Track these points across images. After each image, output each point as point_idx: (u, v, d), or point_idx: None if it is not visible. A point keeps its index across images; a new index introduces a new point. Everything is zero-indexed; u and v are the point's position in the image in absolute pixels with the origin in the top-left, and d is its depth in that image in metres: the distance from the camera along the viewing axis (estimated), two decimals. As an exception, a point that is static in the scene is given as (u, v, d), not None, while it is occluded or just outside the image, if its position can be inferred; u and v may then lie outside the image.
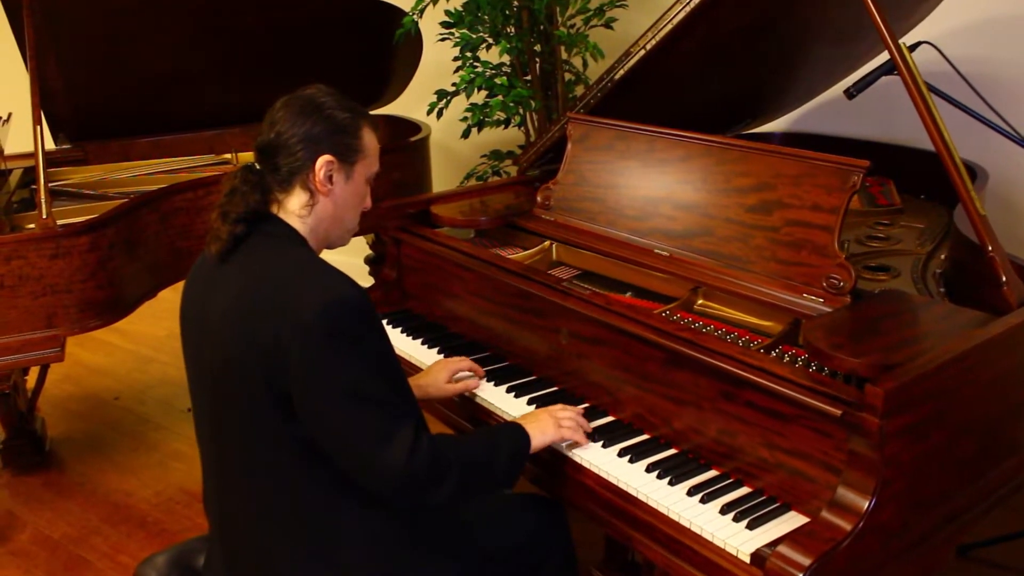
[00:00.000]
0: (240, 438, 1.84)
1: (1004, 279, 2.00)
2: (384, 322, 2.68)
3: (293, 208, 1.88)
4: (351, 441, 1.74)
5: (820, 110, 3.82)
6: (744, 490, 1.88)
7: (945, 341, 1.79)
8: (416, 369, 2.45)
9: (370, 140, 1.96)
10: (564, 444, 2.05)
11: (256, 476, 1.84)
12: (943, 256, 2.57)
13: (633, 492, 1.90)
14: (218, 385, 1.84)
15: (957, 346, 1.76)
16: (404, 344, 2.59)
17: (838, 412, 1.67)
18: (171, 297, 4.15)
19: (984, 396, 1.88)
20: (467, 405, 2.34)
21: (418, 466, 1.73)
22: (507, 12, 3.79)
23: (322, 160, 1.86)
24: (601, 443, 2.05)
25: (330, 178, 1.88)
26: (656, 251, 2.41)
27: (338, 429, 1.73)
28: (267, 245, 1.85)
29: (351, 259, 2.85)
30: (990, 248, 2.02)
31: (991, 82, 2.77)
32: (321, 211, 1.90)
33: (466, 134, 3.97)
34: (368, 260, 2.97)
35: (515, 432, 1.99)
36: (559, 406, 2.11)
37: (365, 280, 2.83)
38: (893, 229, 2.88)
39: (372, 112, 4.58)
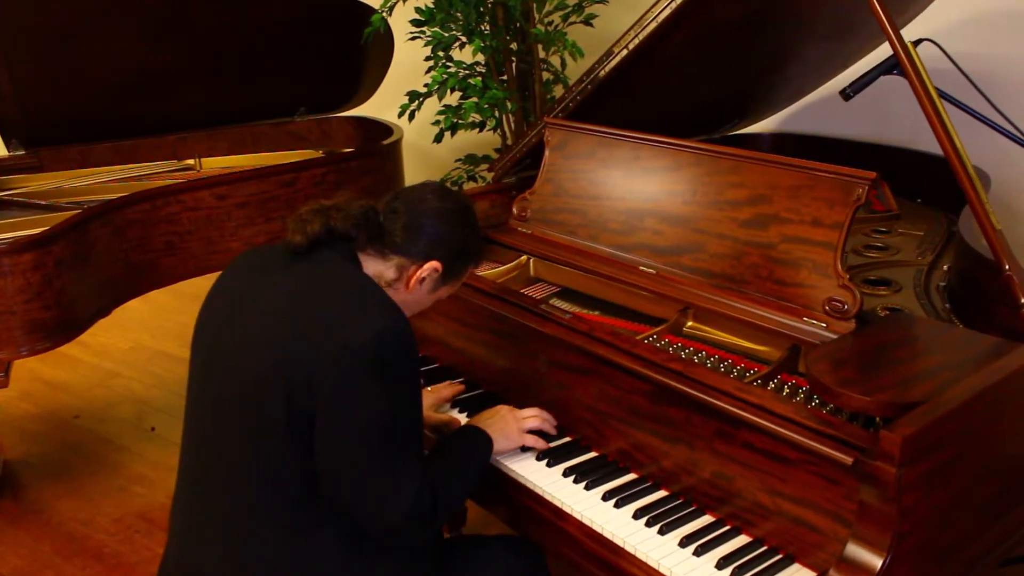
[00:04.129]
0: (238, 446, 1.72)
1: (1023, 300, 1.83)
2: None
3: (373, 270, 1.83)
4: (363, 477, 1.67)
5: (810, 109, 3.65)
6: (743, 539, 1.71)
7: (964, 374, 1.62)
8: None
9: (469, 274, 1.98)
10: (546, 487, 1.87)
11: (241, 496, 1.73)
12: (946, 267, 2.41)
13: (620, 543, 1.73)
14: (230, 393, 1.72)
15: (979, 381, 1.58)
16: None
17: (849, 460, 1.49)
18: (137, 307, 4.00)
19: (1008, 432, 1.71)
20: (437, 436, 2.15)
21: (421, 509, 1.69)
22: (481, 9, 3.61)
23: (433, 264, 1.84)
24: (584, 484, 1.87)
25: (423, 280, 1.85)
26: (642, 268, 2.23)
27: (353, 462, 1.66)
28: (332, 261, 1.79)
29: None
30: (1007, 267, 1.84)
31: (990, 80, 2.61)
32: (390, 293, 1.82)
33: (439, 138, 3.79)
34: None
35: (485, 446, 1.94)
36: (528, 410, 2.04)
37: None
38: (891, 237, 2.71)
39: (343, 114, 4.46)
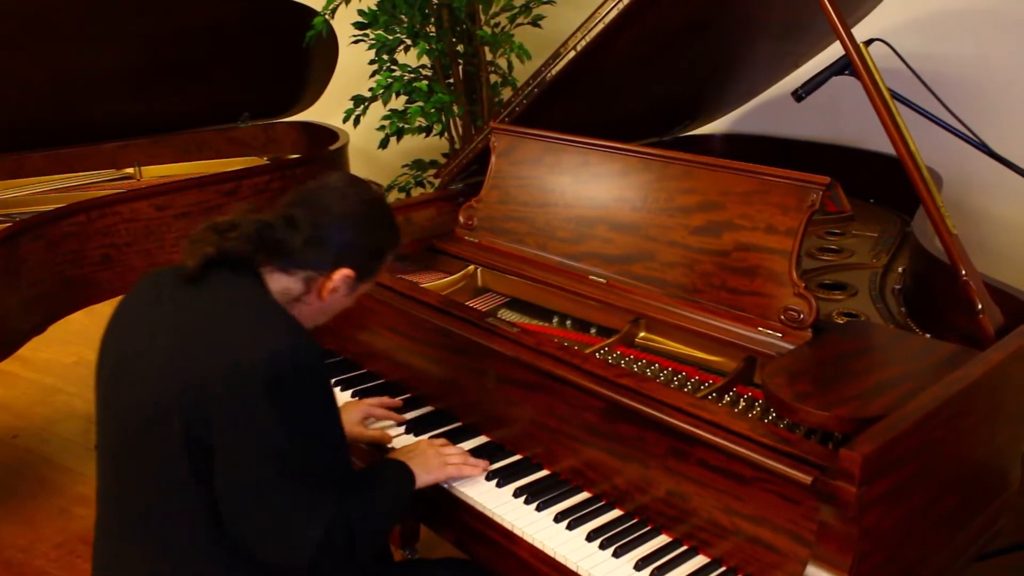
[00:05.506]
0: (142, 485, 1.61)
1: (980, 306, 1.79)
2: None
3: (279, 286, 1.70)
4: (263, 512, 1.55)
5: (762, 109, 3.61)
6: (701, 560, 1.64)
7: (924, 385, 1.56)
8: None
9: (387, 264, 1.84)
10: (495, 508, 1.80)
11: (151, 534, 1.62)
12: (900, 269, 2.37)
13: (572, 567, 1.65)
14: (130, 425, 1.61)
15: (939, 393, 1.52)
16: (314, 386, 2.31)
17: (808, 479, 1.43)
18: (81, 320, 3.86)
19: (969, 442, 1.67)
20: (371, 456, 2.07)
21: (333, 545, 1.57)
22: (426, 11, 3.52)
23: (343, 274, 1.71)
24: (535, 505, 1.80)
25: (336, 289, 1.73)
26: (592, 278, 2.16)
27: (254, 494, 1.54)
28: (227, 281, 1.65)
29: None
30: (964, 272, 1.80)
31: (940, 79, 2.58)
32: (302, 309, 1.73)
33: (384, 144, 3.70)
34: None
35: (405, 478, 1.81)
36: (440, 441, 1.94)
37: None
38: (845, 239, 2.68)
39: (288, 120, 4.36)
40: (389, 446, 2.04)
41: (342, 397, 2.25)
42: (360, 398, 2.20)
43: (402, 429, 2.09)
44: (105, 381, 1.69)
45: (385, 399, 2.17)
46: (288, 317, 1.63)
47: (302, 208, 1.71)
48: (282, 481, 1.53)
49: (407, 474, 1.81)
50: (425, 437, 2.03)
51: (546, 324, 2.23)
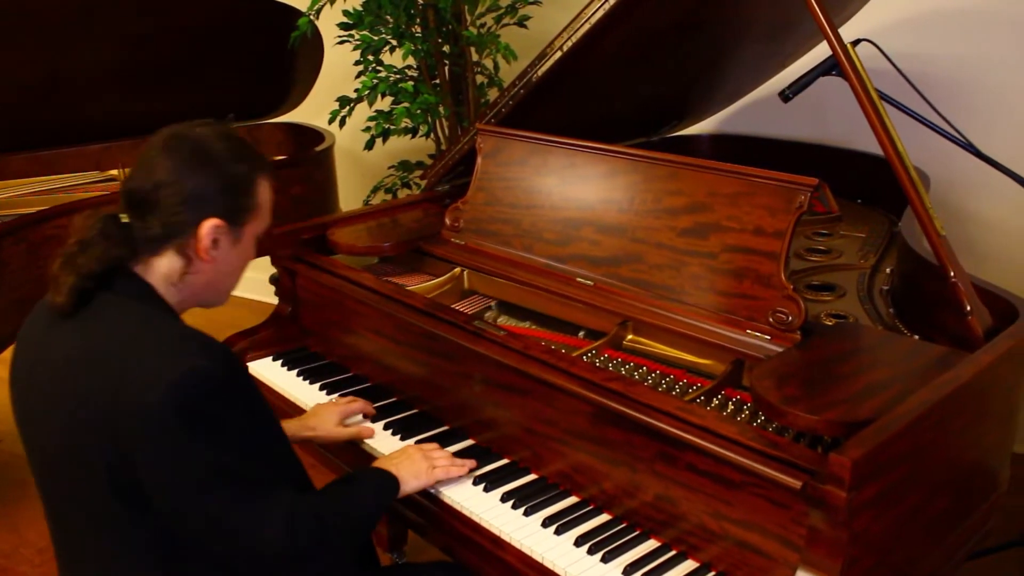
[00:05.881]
0: (84, 535, 1.57)
1: (969, 308, 1.78)
2: (279, 363, 2.41)
3: (161, 272, 1.59)
4: (222, 526, 1.49)
5: (750, 109, 3.60)
6: (690, 565, 1.62)
7: (913, 388, 1.55)
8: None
9: (265, 193, 1.66)
10: (482, 513, 1.78)
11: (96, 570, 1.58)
12: (888, 270, 2.36)
13: (561, 572, 1.63)
14: (51, 471, 1.56)
15: (929, 396, 1.51)
16: (299, 390, 2.29)
17: (798, 484, 1.41)
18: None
19: (958, 445, 1.66)
20: (360, 457, 2.05)
21: (298, 538, 1.53)
22: (411, 11, 3.50)
23: (208, 225, 1.56)
24: (523, 510, 1.78)
25: (215, 243, 1.59)
26: (579, 280, 2.14)
27: (205, 515, 1.48)
28: (112, 305, 1.54)
29: (257, 274, 2.47)
30: (952, 274, 1.79)
31: (928, 79, 2.57)
32: (196, 280, 1.62)
33: (369, 145, 3.66)
34: (274, 279, 2.62)
35: (385, 484, 1.78)
36: (431, 445, 1.92)
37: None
38: (833, 240, 2.67)
39: (274, 121, 4.33)
40: (371, 445, 2.04)
41: (329, 400, 2.23)
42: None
43: (379, 425, 2.09)
44: (19, 423, 1.63)
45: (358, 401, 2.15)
46: (172, 336, 1.52)
47: (135, 182, 1.58)
48: (226, 498, 1.48)
49: (388, 477, 1.78)
50: (412, 442, 2.01)
51: (533, 327, 2.22)
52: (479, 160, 2.44)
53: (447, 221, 2.47)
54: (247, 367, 1.67)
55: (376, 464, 1.85)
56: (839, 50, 1.86)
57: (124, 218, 1.57)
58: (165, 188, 1.54)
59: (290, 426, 2.02)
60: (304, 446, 2.13)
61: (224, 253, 1.62)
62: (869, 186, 2.92)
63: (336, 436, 2.05)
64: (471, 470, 1.89)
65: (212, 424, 1.45)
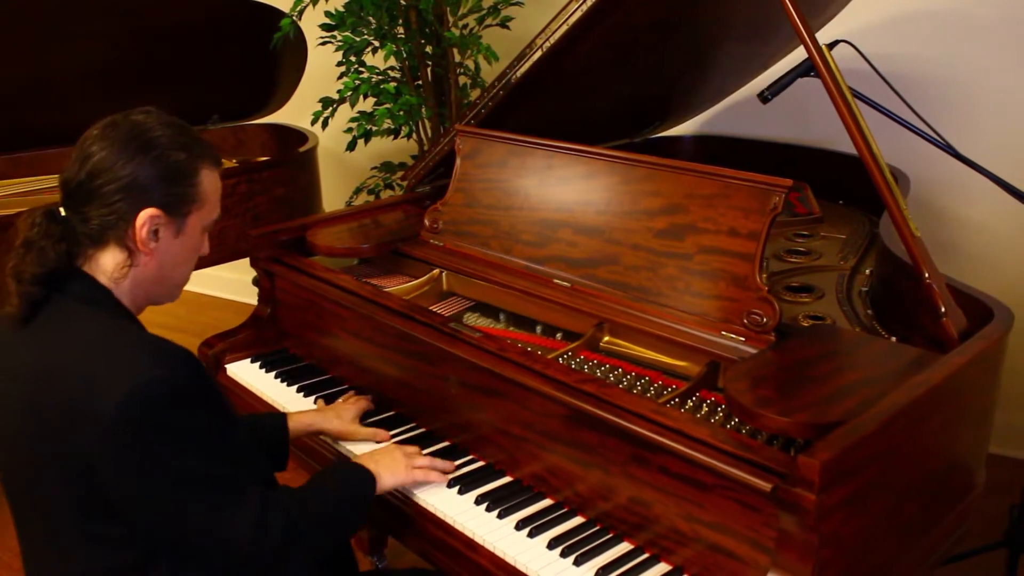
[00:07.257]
0: (49, 545, 1.55)
1: (943, 309, 1.77)
2: (256, 365, 2.40)
3: (106, 267, 1.54)
4: (193, 528, 1.49)
5: (732, 111, 3.60)
6: (662, 568, 1.62)
7: (886, 389, 1.55)
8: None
9: (210, 184, 1.61)
10: (456, 516, 1.77)
11: None
12: (868, 271, 2.36)
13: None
14: (16, 482, 1.55)
15: (900, 398, 1.51)
16: (276, 392, 2.28)
17: (768, 487, 1.41)
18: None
19: (931, 447, 1.65)
20: (339, 459, 2.04)
21: (271, 534, 1.52)
22: (393, 12, 3.49)
23: (145, 215, 1.51)
24: (497, 512, 1.77)
25: (155, 234, 1.54)
26: (556, 281, 2.13)
27: (175, 520, 1.47)
28: (67, 311, 1.51)
29: (240, 275, 2.46)
30: (927, 275, 1.79)
31: (907, 80, 2.57)
32: (141, 273, 1.57)
33: (351, 146, 3.65)
34: (256, 282, 2.60)
35: (360, 477, 1.78)
36: (413, 448, 1.90)
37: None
38: (813, 241, 2.67)
39: (258, 122, 4.31)
40: (346, 447, 2.03)
41: (305, 403, 2.22)
42: (326, 403, 2.18)
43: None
44: None
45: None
46: (134, 337, 1.50)
47: (71, 171, 1.52)
48: (195, 502, 1.46)
49: (361, 471, 1.77)
50: (393, 442, 2.01)
51: (511, 329, 2.21)
52: (458, 161, 2.43)
53: (426, 222, 2.46)
54: (206, 368, 1.63)
55: (355, 460, 1.85)
56: (814, 51, 1.86)
57: (62, 212, 1.54)
58: (100, 177, 1.49)
59: (305, 417, 2.03)
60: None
61: (166, 245, 1.57)
62: (851, 187, 2.92)
63: (350, 434, 2.04)
64: (447, 473, 1.89)
65: (173, 431, 1.42)
